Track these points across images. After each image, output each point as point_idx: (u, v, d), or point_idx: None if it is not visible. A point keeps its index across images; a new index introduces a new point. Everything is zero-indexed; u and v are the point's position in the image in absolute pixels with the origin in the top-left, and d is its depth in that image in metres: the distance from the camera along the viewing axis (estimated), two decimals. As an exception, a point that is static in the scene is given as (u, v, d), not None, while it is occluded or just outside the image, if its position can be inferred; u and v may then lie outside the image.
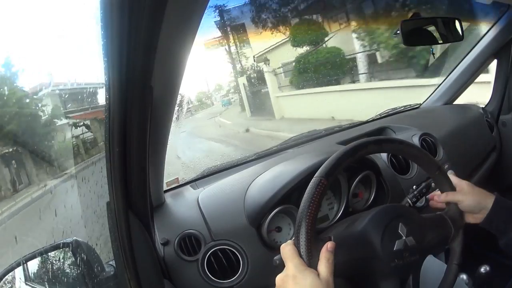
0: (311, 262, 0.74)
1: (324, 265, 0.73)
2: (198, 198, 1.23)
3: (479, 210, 0.94)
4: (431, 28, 1.57)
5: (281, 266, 0.76)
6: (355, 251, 0.81)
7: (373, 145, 0.87)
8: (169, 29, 0.58)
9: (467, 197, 0.93)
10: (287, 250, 0.76)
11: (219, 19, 10.71)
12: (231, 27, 11.15)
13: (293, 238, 0.77)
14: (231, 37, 11.36)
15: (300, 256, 0.74)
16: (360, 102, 7.12)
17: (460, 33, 1.57)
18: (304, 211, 0.76)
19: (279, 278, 0.75)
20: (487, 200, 0.94)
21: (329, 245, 0.75)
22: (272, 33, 10.25)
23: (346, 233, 0.86)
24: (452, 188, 0.96)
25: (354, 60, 9.00)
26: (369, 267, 0.81)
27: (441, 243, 0.91)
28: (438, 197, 0.98)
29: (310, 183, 0.78)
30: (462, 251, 0.91)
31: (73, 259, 1.15)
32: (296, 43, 9.92)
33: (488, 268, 1.68)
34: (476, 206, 0.93)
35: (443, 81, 2.06)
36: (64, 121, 6.66)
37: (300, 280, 0.71)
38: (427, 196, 1.13)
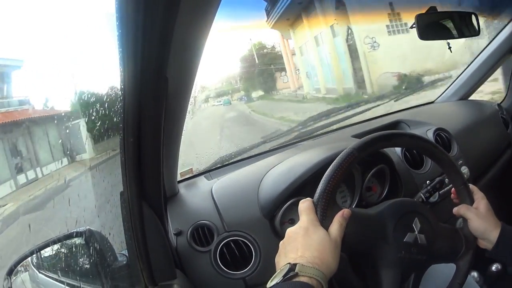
0: (323, 222, 0.76)
1: (335, 227, 0.75)
2: (211, 189, 1.24)
3: (483, 238, 0.92)
4: (447, 23, 1.56)
5: None
6: (366, 228, 0.82)
7: (408, 138, 0.92)
8: (185, 19, 0.58)
9: (478, 220, 0.91)
10: (305, 205, 0.78)
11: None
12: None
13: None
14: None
15: (316, 214, 0.77)
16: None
17: (477, 28, 1.55)
18: (330, 174, 0.78)
19: (290, 230, 0.77)
20: (493, 232, 0.90)
21: (345, 211, 0.77)
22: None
23: (362, 211, 0.87)
24: (471, 203, 0.94)
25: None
26: (375, 250, 0.81)
27: (449, 255, 0.90)
28: (454, 209, 0.96)
29: (341, 153, 0.80)
30: (467, 271, 0.90)
31: (86, 248, 1.17)
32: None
33: (499, 267, 1.66)
34: (481, 232, 0.91)
35: (458, 76, 2.03)
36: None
37: (311, 233, 0.73)
38: (440, 192, 1.12)
